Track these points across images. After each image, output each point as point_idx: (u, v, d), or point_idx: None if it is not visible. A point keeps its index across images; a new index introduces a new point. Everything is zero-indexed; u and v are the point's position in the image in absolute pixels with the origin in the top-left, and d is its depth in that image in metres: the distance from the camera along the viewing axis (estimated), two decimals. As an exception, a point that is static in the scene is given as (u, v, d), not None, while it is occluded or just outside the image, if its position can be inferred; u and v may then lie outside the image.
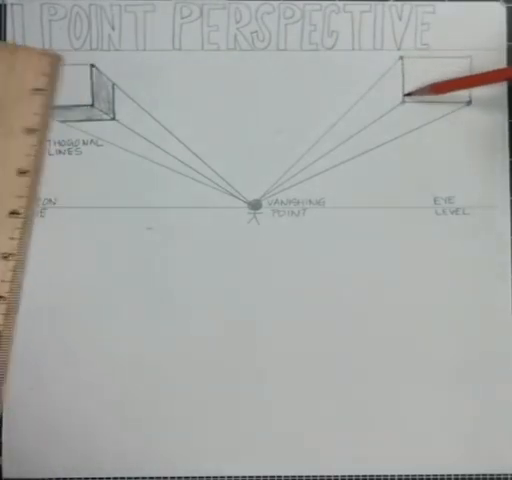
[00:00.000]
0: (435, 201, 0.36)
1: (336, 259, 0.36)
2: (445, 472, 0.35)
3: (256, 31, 0.36)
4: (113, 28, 0.36)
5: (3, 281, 0.34)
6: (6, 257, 0.33)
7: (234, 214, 0.36)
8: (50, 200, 0.36)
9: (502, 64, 0.36)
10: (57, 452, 0.35)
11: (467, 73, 0.36)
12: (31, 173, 0.34)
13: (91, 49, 0.36)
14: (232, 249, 0.36)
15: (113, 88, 0.36)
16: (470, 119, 0.36)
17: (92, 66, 0.36)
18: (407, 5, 0.36)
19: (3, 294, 0.34)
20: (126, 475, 0.35)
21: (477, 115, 0.36)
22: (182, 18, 0.36)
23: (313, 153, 0.36)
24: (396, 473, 0.35)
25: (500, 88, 0.36)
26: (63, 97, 0.36)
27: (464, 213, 0.36)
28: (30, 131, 0.33)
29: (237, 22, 0.36)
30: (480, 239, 0.36)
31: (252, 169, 0.36)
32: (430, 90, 0.35)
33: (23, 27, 0.36)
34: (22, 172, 0.33)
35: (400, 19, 0.36)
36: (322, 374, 0.35)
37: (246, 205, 0.36)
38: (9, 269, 0.34)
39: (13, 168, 0.34)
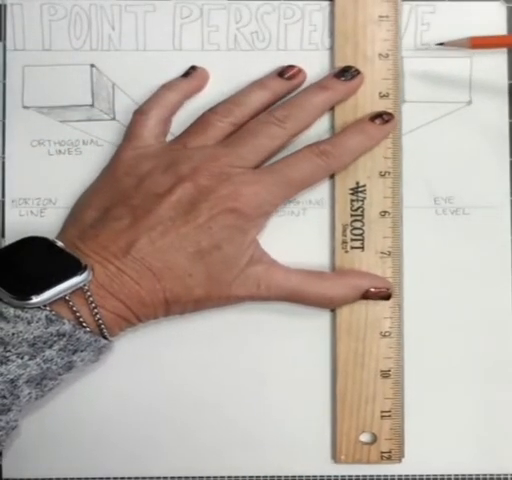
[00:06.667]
0: (435, 201, 0.36)
1: (336, 259, 0.36)
2: (445, 472, 0.35)
3: (256, 31, 0.36)
4: (113, 28, 0.36)
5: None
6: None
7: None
8: (50, 200, 0.36)
9: (503, 64, 0.36)
10: (57, 452, 0.35)
11: (467, 73, 0.36)
12: (391, 96, 0.35)
13: (91, 49, 0.36)
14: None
15: (113, 88, 0.36)
16: (470, 119, 0.36)
17: (92, 66, 0.36)
18: (407, 5, 0.36)
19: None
20: (126, 475, 0.35)
21: (477, 115, 0.36)
22: (182, 18, 0.36)
23: (313, 153, 0.36)
24: (396, 473, 0.35)
25: (500, 88, 0.36)
26: (63, 97, 0.36)
27: (464, 213, 0.36)
28: (383, 56, 0.35)
29: (237, 22, 0.36)
30: (480, 239, 0.36)
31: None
32: (468, 43, 0.35)
33: (23, 27, 0.36)
34: (383, 96, 0.35)
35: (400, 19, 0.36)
36: (319, 375, 0.35)
37: (246, 205, 0.36)
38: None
39: (375, 92, 0.35)
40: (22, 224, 0.36)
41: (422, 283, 0.36)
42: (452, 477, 0.35)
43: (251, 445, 0.35)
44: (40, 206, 0.36)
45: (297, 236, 0.36)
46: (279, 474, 0.35)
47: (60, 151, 0.36)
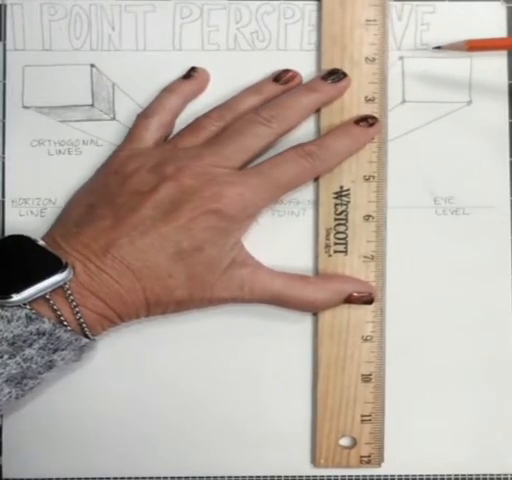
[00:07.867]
0: (435, 201, 0.36)
1: (336, 259, 0.36)
2: (445, 472, 0.35)
3: (256, 31, 0.36)
4: (113, 28, 0.36)
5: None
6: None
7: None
8: (50, 200, 0.36)
9: (503, 65, 0.36)
10: (56, 452, 0.35)
11: (467, 73, 0.36)
12: (377, 100, 0.35)
13: (91, 49, 0.36)
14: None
15: (113, 88, 0.36)
16: (470, 119, 0.36)
17: (92, 66, 0.36)
18: (407, 5, 0.36)
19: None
20: (126, 475, 0.35)
21: (477, 115, 0.36)
22: (182, 18, 0.36)
23: (313, 153, 0.36)
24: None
25: (500, 88, 0.36)
26: (63, 97, 0.36)
27: (464, 213, 0.36)
28: (370, 60, 0.35)
29: (237, 22, 0.36)
30: (480, 239, 0.36)
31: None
32: (465, 46, 0.35)
33: (23, 27, 0.36)
34: (369, 100, 0.35)
35: (400, 19, 0.36)
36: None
37: (246, 205, 0.36)
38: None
39: (361, 96, 0.35)
40: (22, 224, 0.36)
41: (421, 283, 0.36)
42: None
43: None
44: (40, 206, 0.36)
45: (296, 236, 0.36)
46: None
47: (60, 151, 0.36)
